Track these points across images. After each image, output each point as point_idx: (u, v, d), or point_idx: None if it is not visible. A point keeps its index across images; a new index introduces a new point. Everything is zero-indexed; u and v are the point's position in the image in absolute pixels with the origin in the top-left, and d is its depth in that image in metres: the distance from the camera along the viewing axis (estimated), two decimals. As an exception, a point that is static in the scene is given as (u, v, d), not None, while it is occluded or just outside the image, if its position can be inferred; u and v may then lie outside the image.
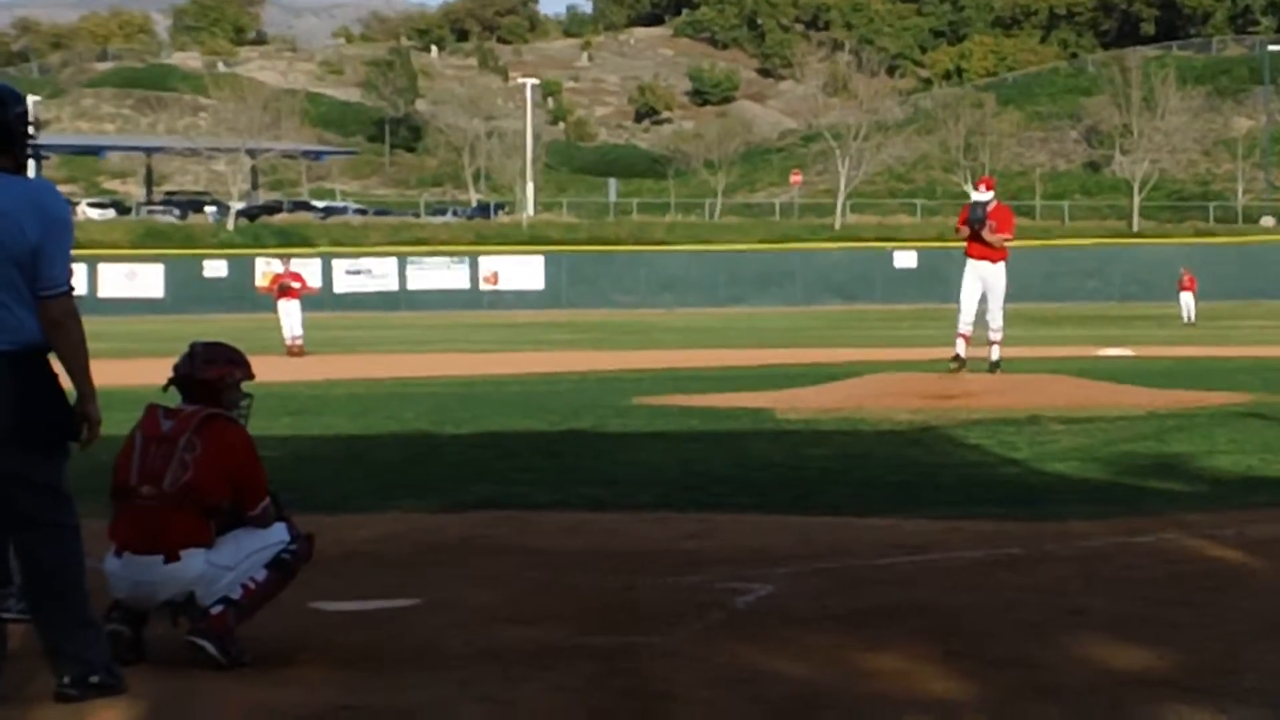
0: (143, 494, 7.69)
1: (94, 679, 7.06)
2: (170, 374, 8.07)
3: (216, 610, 7.65)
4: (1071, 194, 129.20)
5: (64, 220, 7.09)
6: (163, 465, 7.70)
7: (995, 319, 24.35)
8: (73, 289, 7.09)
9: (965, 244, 24.15)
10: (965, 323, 24.26)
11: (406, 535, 11.74)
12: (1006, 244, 24.11)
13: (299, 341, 42.61)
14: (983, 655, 7.73)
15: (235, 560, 7.76)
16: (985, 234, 23.75)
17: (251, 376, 8.16)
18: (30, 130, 7.20)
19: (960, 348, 24.28)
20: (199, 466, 7.67)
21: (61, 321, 6.98)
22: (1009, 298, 24.82)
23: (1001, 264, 24.09)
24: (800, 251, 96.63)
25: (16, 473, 6.97)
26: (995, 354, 24.77)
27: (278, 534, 7.96)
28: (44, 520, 7.05)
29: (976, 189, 24.84)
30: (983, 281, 24.10)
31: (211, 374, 8.00)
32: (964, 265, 24.26)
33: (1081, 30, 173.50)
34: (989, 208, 23.96)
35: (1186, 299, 62.08)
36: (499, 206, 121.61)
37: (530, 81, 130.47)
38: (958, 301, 24.40)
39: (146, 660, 7.73)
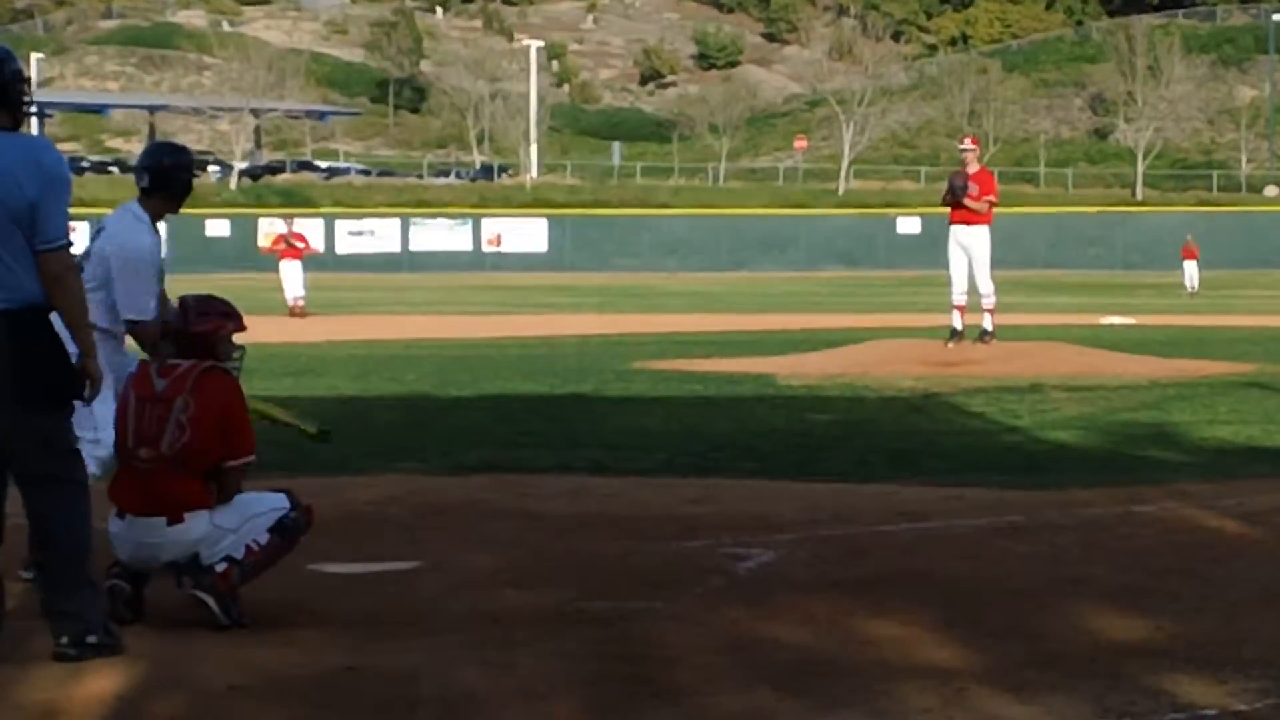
0: (141, 457, 7.69)
1: (91, 639, 7.08)
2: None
3: (221, 568, 7.68)
4: (1075, 161, 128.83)
5: (61, 176, 7.12)
6: (159, 427, 7.70)
7: (984, 284, 23.88)
8: (71, 244, 7.11)
9: (949, 211, 23.98)
10: (958, 293, 24.02)
11: (407, 498, 11.74)
12: (993, 207, 23.85)
13: (301, 302, 42.57)
14: (983, 624, 7.74)
15: (238, 523, 7.78)
16: (967, 201, 23.54)
17: (243, 328, 8.18)
18: (25, 88, 7.22)
19: (956, 320, 24.08)
20: (195, 426, 7.69)
21: (60, 276, 7.02)
22: (998, 263, 24.48)
23: (981, 228, 23.69)
24: (804, 217, 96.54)
25: (21, 430, 7.00)
26: (988, 322, 24.26)
27: (278, 500, 7.98)
28: (51, 477, 7.09)
29: (961, 142, 24.96)
30: (963, 247, 23.86)
31: (206, 327, 8.02)
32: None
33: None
34: (971, 172, 23.82)
35: (1190, 267, 61.79)
36: (502, 169, 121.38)
37: (535, 44, 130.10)
38: (947, 273, 24.20)
39: (145, 620, 7.74)
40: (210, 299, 8.20)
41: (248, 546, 7.75)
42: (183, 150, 9.52)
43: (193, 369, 7.82)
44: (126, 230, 9.06)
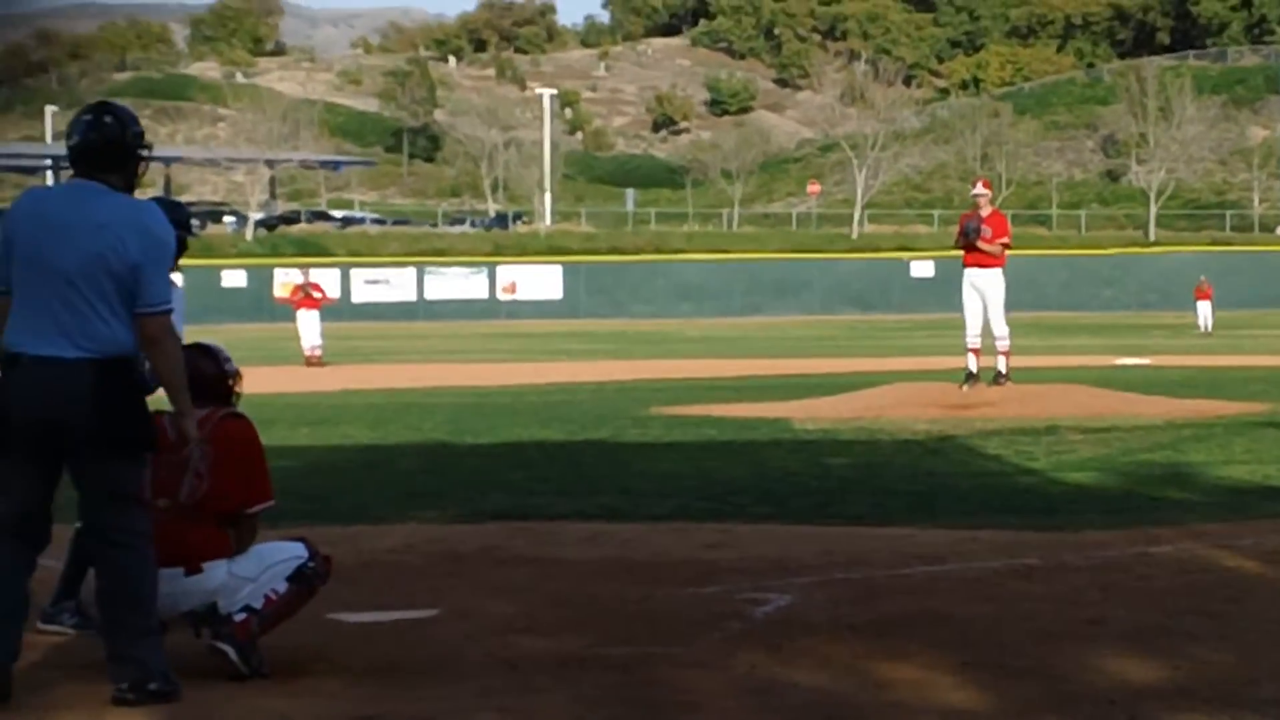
0: (159, 508, 7.69)
1: (152, 686, 7.17)
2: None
3: (240, 618, 7.66)
4: (1088, 203, 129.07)
5: (165, 242, 7.29)
6: (176, 477, 7.71)
7: (999, 327, 23.87)
8: (171, 309, 7.23)
9: (963, 254, 23.99)
10: (973, 335, 24.02)
11: (424, 546, 11.75)
12: (1006, 250, 23.88)
13: (318, 352, 42.62)
14: (1000, 665, 7.75)
15: (256, 572, 7.77)
16: (980, 243, 23.56)
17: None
18: (144, 151, 7.35)
19: (971, 363, 24.09)
20: (214, 474, 7.70)
21: (159, 339, 7.18)
22: (1012, 305, 24.46)
23: (995, 271, 23.73)
24: (818, 261, 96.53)
25: (96, 479, 7.14)
26: (1002, 365, 24.20)
27: (296, 549, 7.98)
28: (120, 527, 7.20)
29: (974, 185, 24.93)
30: (977, 290, 23.87)
31: (234, 369, 8.13)
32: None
33: (1097, 40, 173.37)
34: (984, 215, 23.85)
35: (1203, 308, 61.74)
36: (517, 216, 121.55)
37: (548, 92, 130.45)
38: (962, 316, 24.20)
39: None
40: (216, 345, 8.27)
41: (266, 596, 7.75)
42: (179, 206, 9.49)
43: (211, 415, 7.83)
44: None
